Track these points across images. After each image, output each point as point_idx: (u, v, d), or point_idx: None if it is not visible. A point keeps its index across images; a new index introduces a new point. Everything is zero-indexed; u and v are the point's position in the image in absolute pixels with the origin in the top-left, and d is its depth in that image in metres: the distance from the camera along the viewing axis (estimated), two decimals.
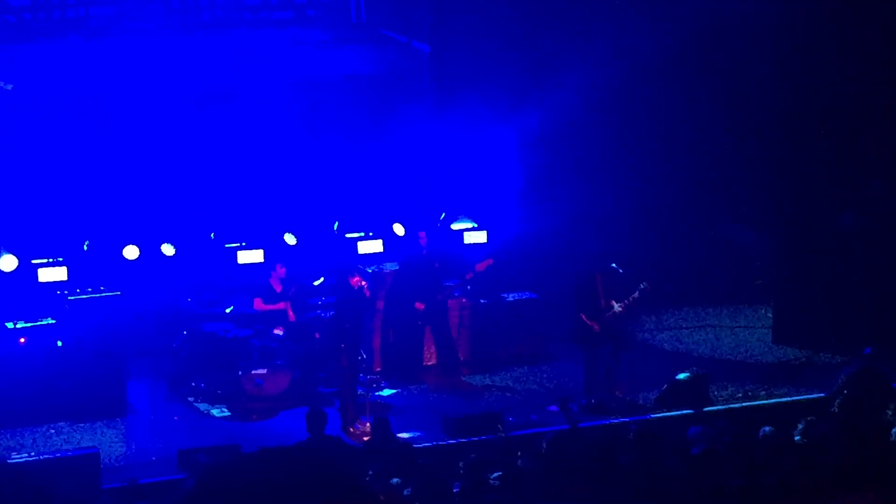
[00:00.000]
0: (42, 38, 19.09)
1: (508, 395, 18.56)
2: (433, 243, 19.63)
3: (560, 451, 12.58)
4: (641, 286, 17.78)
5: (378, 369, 19.25)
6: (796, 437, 12.51)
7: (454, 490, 11.63)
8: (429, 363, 19.64)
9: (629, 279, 18.01)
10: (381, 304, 19.42)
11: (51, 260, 18.62)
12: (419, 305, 19.25)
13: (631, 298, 17.79)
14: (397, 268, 19.64)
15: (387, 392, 18.68)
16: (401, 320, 19.40)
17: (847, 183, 19.84)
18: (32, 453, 15.72)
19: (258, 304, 18.93)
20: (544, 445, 13.20)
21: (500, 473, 12.04)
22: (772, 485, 11.20)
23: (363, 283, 17.43)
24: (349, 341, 17.34)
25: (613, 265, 17.95)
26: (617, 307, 17.76)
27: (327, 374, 18.31)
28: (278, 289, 18.98)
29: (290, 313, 18.85)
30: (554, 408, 17.44)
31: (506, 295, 20.23)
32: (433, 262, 19.41)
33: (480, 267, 19.90)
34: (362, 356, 18.46)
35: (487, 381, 19.16)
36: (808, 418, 12.77)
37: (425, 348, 19.56)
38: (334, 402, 17.51)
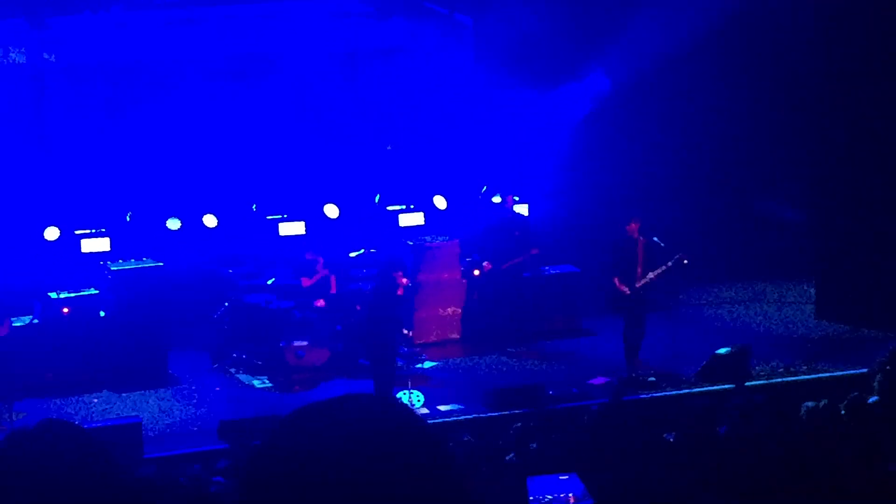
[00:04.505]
0: (86, 10, 19.13)
1: (549, 368, 18.55)
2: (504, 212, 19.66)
3: (603, 424, 12.58)
4: (677, 256, 17.81)
5: (419, 342, 19.27)
6: (841, 412, 12.45)
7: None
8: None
9: (670, 253, 18.01)
10: (422, 277, 19.43)
11: (94, 231, 18.72)
12: (487, 265, 19.27)
13: (664, 267, 17.84)
14: (446, 240, 19.64)
15: (427, 364, 18.72)
16: (476, 287, 19.40)
17: (890, 156, 19.68)
18: (76, 422, 15.84)
19: (305, 282, 18.92)
20: (586, 419, 13.22)
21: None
22: (815, 458, 11.15)
23: (407, 282, 17.10)
24: (386, 333, 17.15)
25: (655, 239, 17.97)
26: (650, 275, 17.85)
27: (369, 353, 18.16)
28: (319, 266, 19.01)
29: (333, 285, 18.89)
30: (595, 381, 17.45)
31: (546, 268, 20.19)
32: (514, 230, 19.38)
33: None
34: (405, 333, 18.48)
35: (528, 354, 19.14)
36: (853, 394, 12.71)
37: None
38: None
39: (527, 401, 16.23)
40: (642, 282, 17.92)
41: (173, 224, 19.29)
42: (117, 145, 19.59)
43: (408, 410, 2.92)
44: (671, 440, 11.84)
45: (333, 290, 18.89)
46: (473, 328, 19.63)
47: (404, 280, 16.72)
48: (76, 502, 3.31)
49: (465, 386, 17.68)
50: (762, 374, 17.69)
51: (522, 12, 20.76)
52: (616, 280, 17.98)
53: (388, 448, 2.73)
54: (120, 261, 18.30)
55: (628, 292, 17.89)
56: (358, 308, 18.51)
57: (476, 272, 19.49)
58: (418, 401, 16.65)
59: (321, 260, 19.01)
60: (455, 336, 19.69)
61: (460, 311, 19.72)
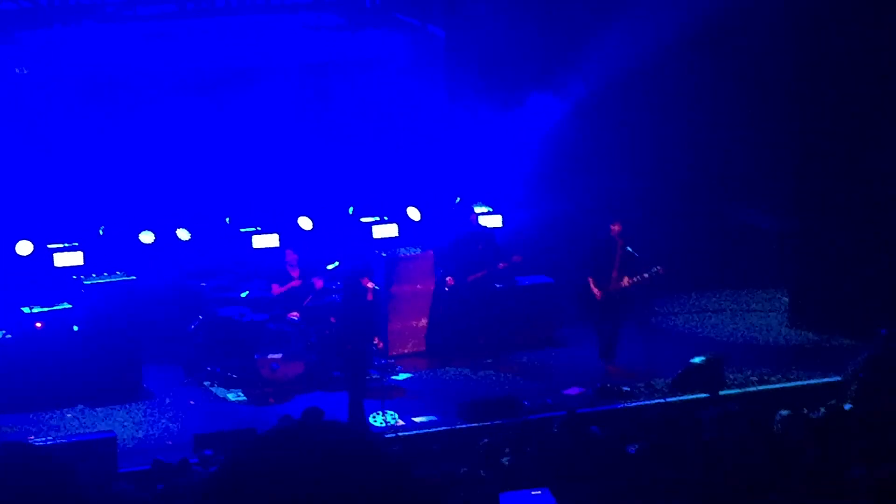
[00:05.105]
0: (58, 24, 19.08)
1: (523, 379, 18.56)
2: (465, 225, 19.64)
3: (573, 434, 12.58)
4: (655, 269, 17.93)
5: (394, 353, 19.25)
6: (815, 420, 12.51)
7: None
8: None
9: (644, 263, 18.09)
10: (396, 289, 19.41)
11: (67, 245, 18.64)
12: (450, 280, 19.27)
13: (640, 276, 17.96)
14: (419, 251, 19.64)
15: (402, 376, 18.70)
16: (449, 299, 19.38)
17: (863, 165, 19.76)
18: (50, 437, 15.79)
19: (276, 289, 18.93)
20: (556, 429, 13.22)
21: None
22: (790, 466, 11.19)
23: (374, 286, 17.05)
24: (357, 340, 17.10)
25: (629, 249, 18.04)
26: (625, 280, 17.94)
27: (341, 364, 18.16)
28: (294, 274, 19.00)
29: (318, 282, 18.82)
30: (569, 391, 17.47)
31: (520, 279, 20.19)
32: (478, 244, 19.38)
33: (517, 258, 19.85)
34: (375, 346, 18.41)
35: (502, 365, 19.14)
36: (831, 402, 12.78)
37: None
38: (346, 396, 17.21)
39: (502, 412, 16.24)
40: (616, 285, 18.02)
41: (146, 237, 19.21)
42: (90, 158, 19.51)
43: (370, 439, 2.93)
44: (645, 450, 11.86)
45: (319, 285, 18.83)
46: (448, 339, 19.59)
47: (371, 284, 16.70)
48: None
49: (440, 397, 17.67)
50: (736, 382, 17.74)
51: (495, 23, 20.79)
52: (590, 280, 18.08)
53: (350, 477, 2.73)
54: (93, 275, 18.24)
55: (599, 296, 17.98)
56: (332, 320, 18.45)
57: (449, 281, 19.45)
58: (392, 419, 16.61)
59: (297, 269, 18.99)
60: (430, 347, 19.65)
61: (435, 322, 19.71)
